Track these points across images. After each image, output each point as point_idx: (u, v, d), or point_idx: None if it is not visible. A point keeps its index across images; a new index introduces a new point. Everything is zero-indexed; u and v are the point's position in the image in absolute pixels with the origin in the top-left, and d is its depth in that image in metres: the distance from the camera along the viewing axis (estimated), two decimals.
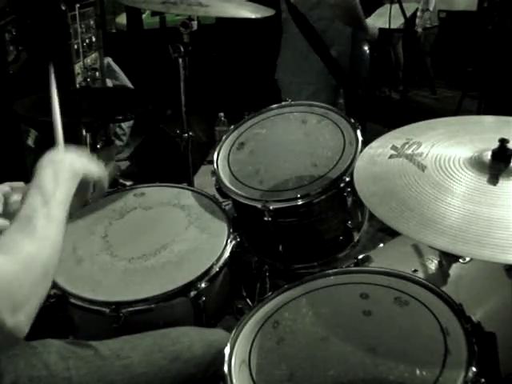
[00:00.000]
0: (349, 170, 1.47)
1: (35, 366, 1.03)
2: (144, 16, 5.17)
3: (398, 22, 3.64)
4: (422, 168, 1.06)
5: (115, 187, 1.70)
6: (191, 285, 1.27)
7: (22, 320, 0.76)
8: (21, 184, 1.04)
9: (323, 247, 1.59)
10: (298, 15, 2.36)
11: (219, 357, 1.10)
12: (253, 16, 1.81)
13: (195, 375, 1.14)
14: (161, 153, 3.38)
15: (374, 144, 1.23)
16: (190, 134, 2.05)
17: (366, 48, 2.55)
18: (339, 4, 2.29)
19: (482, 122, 1.27)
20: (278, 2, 2.44)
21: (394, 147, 1.16)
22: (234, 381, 1.03)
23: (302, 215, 1.49)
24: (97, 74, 3.09)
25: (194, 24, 1.87)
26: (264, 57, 2.64)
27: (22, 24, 2.49)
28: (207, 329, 1.27)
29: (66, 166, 0.94)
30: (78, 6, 2.78)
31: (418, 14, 4.97)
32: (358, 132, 1.56)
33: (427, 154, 1.10)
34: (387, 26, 3.45)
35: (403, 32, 4.19)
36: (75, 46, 2.80)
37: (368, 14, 3.77)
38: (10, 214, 0.97)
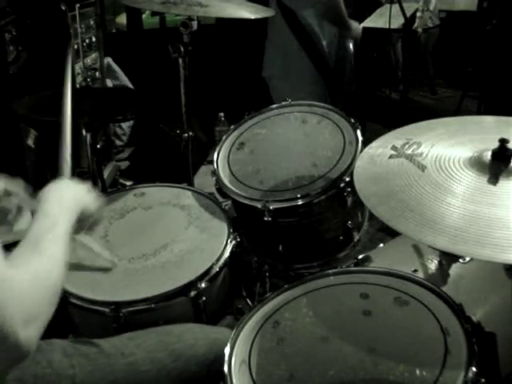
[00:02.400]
0: (349, 170, 1.47)
1: (39, 364, 1.04)
2: (144, 16, 5.17)
3: (398, 22, 3.64)
4: (422, 168, 1.06)
5: (115, 187, 1.70)
6: (191, 285, 1.27)
7: (32, 334, 0.77)
8: (18, 186, 1.08)
9: (323, 247, 1.59)
10: (288, 12, 2.38)
11: (222, 355, 1.10)
12: (252, 17, 1.81)
13: (198, 373, 1.14)
14: (161, 153, 3.38)
15: (374, 144, 1.23)
16: (190, 134, 2.05)
17: (350, 45, 2.57)
18: (322, 1, 2.31)
19: (481, 122, 1.27)
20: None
21: (393, 147, 1.16)
22: (234, 381, 1.03)
23: (301, 215, 1.49)
24: (97, 73, 3.09)
25: (194, 24, 1.87)
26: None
27: (21, 24, 2.49)
28: (211, 326, 1.27)
29: (69, 196, 1.03)
30: (78, 5, 2.78)
31: (418, 14, 4.97)
32: (358, 132, 1.56)
33: (427, 154, 1.10)
34: (387, 26, 3.45)
35: (403, 32, 4.20)
36: (75, 46, 2.80)
37: (368, 13, 3.78)
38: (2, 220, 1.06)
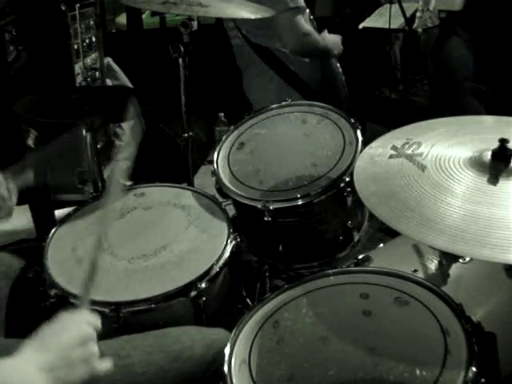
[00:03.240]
0: (349, 169, 1.47)
1: None
2: (144, 16, 5.17)
3: (398, 22, 3.64)
4: (422, 168, 1.06)
5: None
6: (191, 285, 1.27)
7: None
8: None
9: (323, 247, 1.59)
10: (263, 51, 2.28)
11: (219, 356, 1.10)
12: (252, 16, 1.81)
13: (195, 374, 1.14)
14: (161, 153, 3.38)
15: (374, 144, 1.23)
16: (190, 134, 2.05)
17: (336, 64, 2.47)
18: (299, 50, 2.23)
19: (481, 122, 1.27)
20: None
21: (394, 147, 1.16)
22: (234, 381, 1.03)
23: (302, 215, 1.49)
24: (97, 73, 3.09)
25: (194, 24, 1.87)
26: None
27: (21, 24, 2.49)
28: (208, 328, 1.27)
29: None
30: (78, 5, 2.78)
31: (418, 14, 4.97)
32: (358, 132, 1.56)
33: (427, 154, 1.10)
34: (387, 26, 3.45)
35: (403, 32, 4.19)
36: (75, 46, 2.80)
37: (368, 14, 3.78)
38: None
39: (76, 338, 0.85)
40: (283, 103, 1.78)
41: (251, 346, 1.11)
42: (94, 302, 1.24)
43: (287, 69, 2.30)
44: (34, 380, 0.79)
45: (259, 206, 1.45)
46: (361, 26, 3.04)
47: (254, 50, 2.31)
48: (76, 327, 0.87)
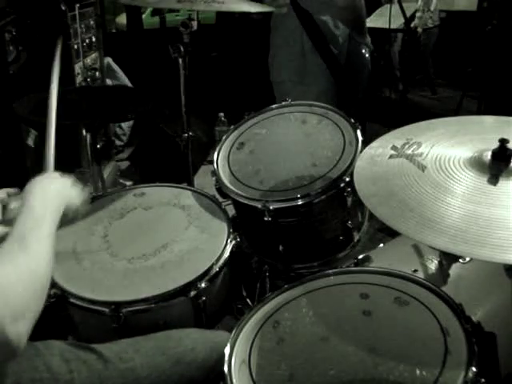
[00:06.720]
0: (349, 170, 1.47)
1: (38, 368, 1.03)
2: (144, 16, 5.18)
3: (397, 22, 3.65)
4: (422, 168, 1.06)
5: (115, 187, 1.70)
6: (191, 285, 1.27)
7: (21, 330, 0.78)
8: (16, 190, 1.07)
9: (323, 247, 1.59)
10: (304, 14, 2.35)
11: (222, 359, 1.09)
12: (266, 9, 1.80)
13: (198, 378, 1.13)
14: (161, 153, 3.38)
15: (374, 144, 1.23)
16: (190, 134, 2.05)
17: (364, 51, 2.55)
18: (349, 7, 2.30)
19: (482, 122, 1.27)
20: None
21: (394, 147, 1.16)
22: (234, 381, 1.03)
23: (302, 215, 1.49)
24: (97, 73, 3.09)
25: (194, 24, 1.87)
26: (264, 57, 2.64)
27: (21, 24, 2.49)
28: (210, 331, 1.27)
29: (53, 192, 1.01)
30: (77, 5, 2.78)
31: (418, 14, 4.98)
32: (358, 132, 1.56)
33: (427, 154, 1.10)
34: (387, 26, 3.46)
35: (403, 32, 4.20)
36: (75, 46, 2.80)
37: (368, 13, 3.79)
38: (9, 221, 1.00)
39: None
40: (283, 103, 1.78)
41: (251, 346, 1.11)
42: (93, 302, 1.25)
43: (322, 36, 2.39)
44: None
45: (259, 205, 1.45)
46: None
47: (298, 14, 2.37)
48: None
